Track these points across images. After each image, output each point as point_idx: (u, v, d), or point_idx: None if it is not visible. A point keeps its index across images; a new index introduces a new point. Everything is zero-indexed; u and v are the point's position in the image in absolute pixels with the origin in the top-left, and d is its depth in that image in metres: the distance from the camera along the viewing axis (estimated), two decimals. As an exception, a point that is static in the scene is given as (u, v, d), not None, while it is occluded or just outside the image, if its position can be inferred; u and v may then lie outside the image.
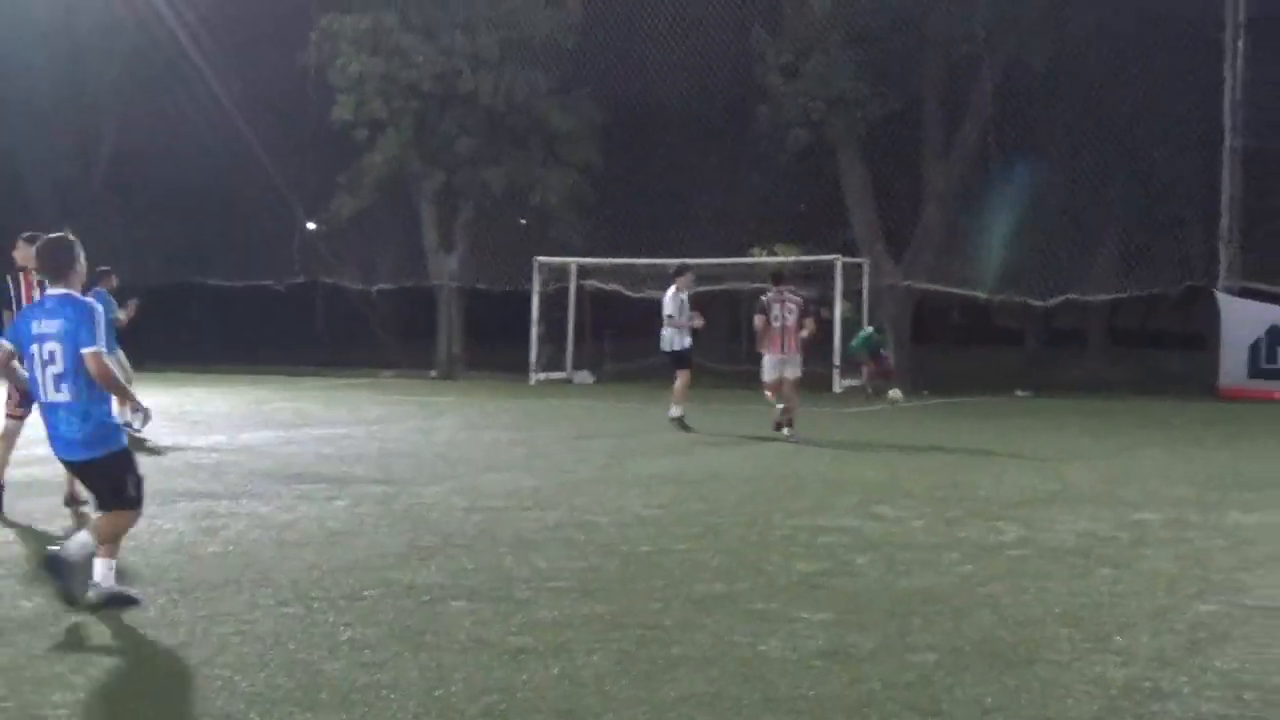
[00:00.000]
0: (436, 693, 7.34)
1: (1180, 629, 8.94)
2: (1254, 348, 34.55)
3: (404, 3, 42.64)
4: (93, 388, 9.29)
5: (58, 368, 9.29)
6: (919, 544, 12.14)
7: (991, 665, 8.00)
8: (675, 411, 24.20)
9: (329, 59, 42.65)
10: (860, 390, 36.10)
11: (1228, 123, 35.79)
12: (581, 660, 8.00)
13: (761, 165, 42.68)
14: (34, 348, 9.39)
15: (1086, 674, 7.82)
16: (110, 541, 9.50)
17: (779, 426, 23.08)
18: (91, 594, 9.26)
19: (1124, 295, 40.64)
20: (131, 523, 9.78)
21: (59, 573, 9.12)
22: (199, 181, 45.64)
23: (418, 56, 41.65)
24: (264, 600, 9.48)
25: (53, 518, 13.32)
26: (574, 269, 41.37)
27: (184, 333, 46.34)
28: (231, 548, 11.51)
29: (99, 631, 8.61)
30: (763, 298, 23.64)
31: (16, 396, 14.09)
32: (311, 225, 47.35)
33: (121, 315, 20.64)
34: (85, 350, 9.21)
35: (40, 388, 9.44)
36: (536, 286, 40.86)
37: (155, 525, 12.19)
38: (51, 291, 9.58)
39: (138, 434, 20.52)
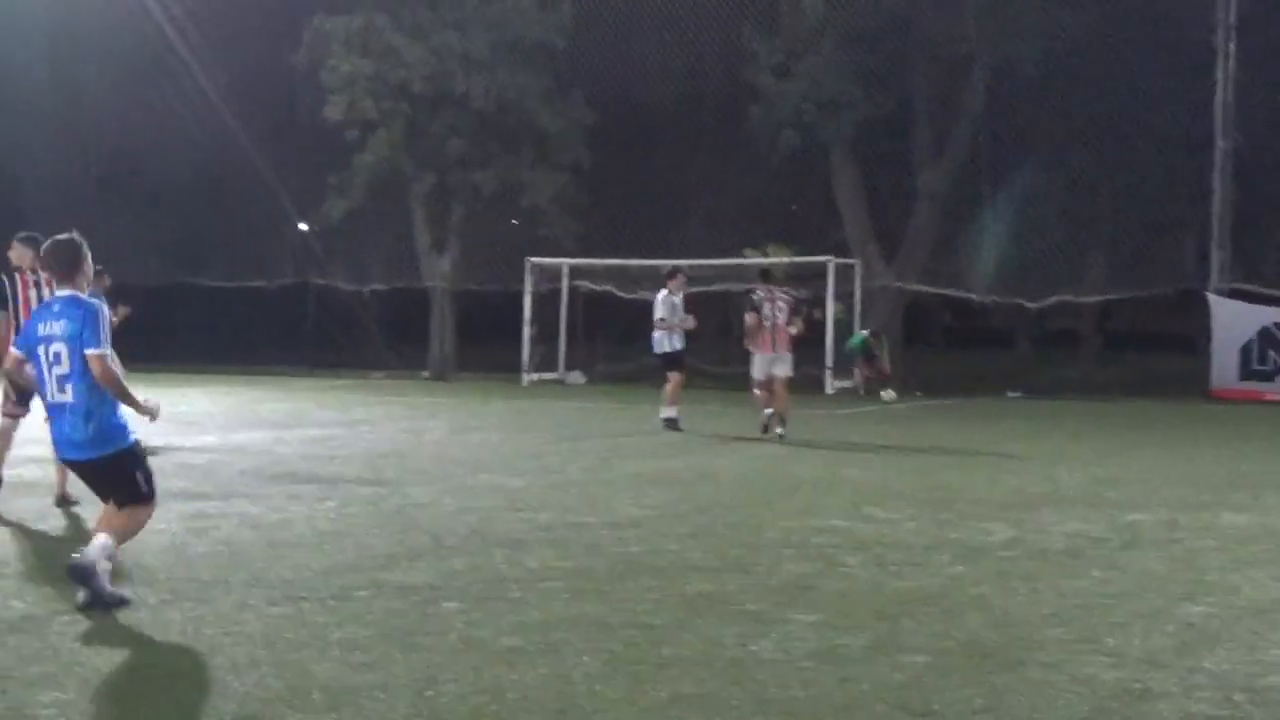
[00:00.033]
0: (427, 693, 7.33)
1: (1171, 630, 8.94)
2: (1245, 349, 34.62)
3: (396, 3, 42.63)
4: (97, 389, 9.29)
5: (63, 369, 9.30)
6: (910, 545, 12.14)
7: (982, 666, 8.00)
8: (667, 413, 24.21)
9: (321, 59, 42.65)
10: (852, 391, 36.17)
11: (1219, 125, 35.84)
12: (572, 661, 7.99)
13: (753, 166, 42.72)
14: (40, 349, 9.40)
15: (1077, 675, 7.81)
16: (124, 529, 9.52)
17: (766, 429, 23.11)
18: (81, 594, 9.24)
19: (1115, 297, 40.76)
20: (147, 517, 9.80)
21: (83, 579, 9.15)
22: (191, 182, 45.69)
23: (409, 57, 41.65)
24: (254, 600, 9.46)
25: (44, 517, 13.31)
26: (566, 270, 41.40)
27: (176, 333, 46.28)
28: (222, 548, 11.49)
29: (90, 632, 8.59)
30: (754, 295, 23.66)
31: (14, 395, 14.10)
32: (303, 226, 47.35)
33: (114, 317, 20.62)
34: (90, 352, 9.21)
35: (47, 389, 9.46)
36: (529, 287, 40.88)
37: (146, 525, 12.18)
38: (59, 293, 9.59)
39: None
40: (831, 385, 36.51)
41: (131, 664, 7.92)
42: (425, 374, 43.74)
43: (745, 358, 24.08)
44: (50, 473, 14.29)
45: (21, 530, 12.66)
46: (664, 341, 24.71)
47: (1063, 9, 37.47)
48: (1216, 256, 36.20)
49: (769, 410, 23.21)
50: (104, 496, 9.72)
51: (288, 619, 8.97)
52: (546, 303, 41.36)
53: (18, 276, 14.32)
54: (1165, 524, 13.47)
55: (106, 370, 9.23)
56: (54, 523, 13.13)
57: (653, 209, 42.57)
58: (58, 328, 9.33)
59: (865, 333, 36.31)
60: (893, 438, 23.77)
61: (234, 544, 11.66)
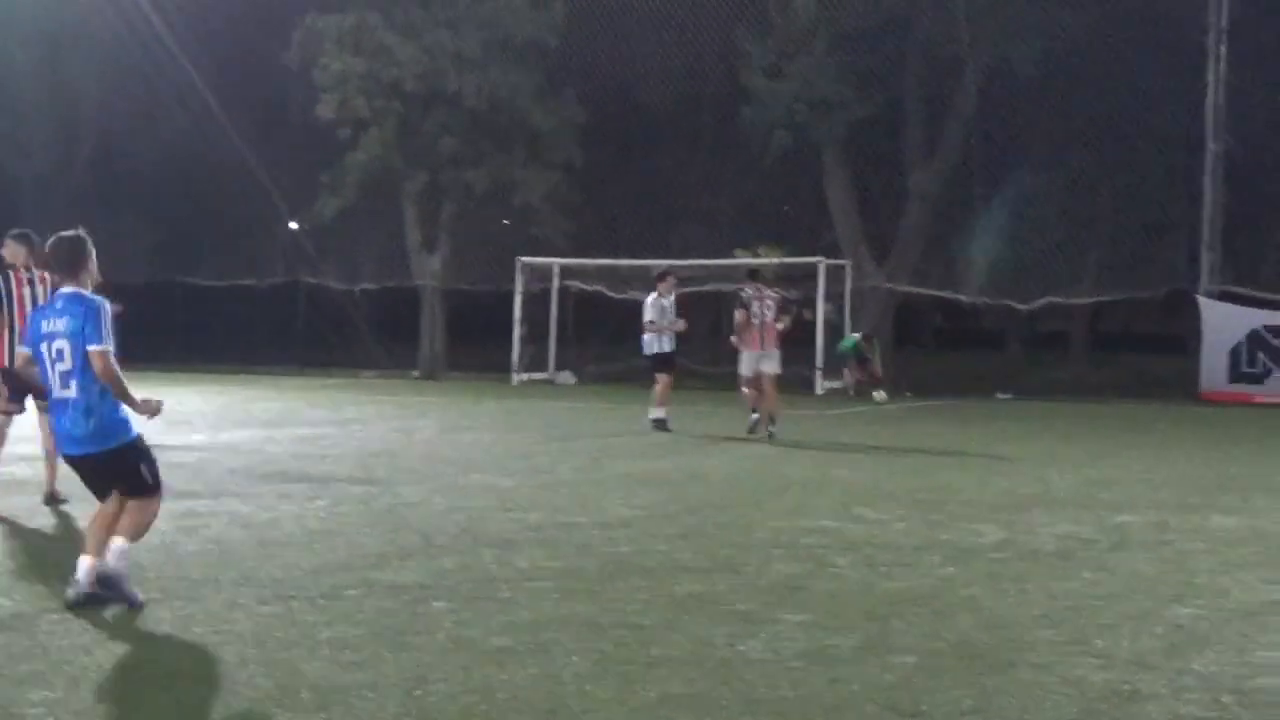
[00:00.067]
0: (416, 692, 7.32)
1: (1160, 632, 8.95)
2: (1235, 352, 34.67)
3: (388, 2, 42.63)
4: (99, 385, 9.30)
5: (66, 365, 9.31)
6: (900, 546, 12.14)
7: (971, 667, 8.00)
8: (656, 414, 24.20)
9: (313, 58, 42.64)
10: (842, 392, 36.19)
11: (1210, 127, 35.88)
12: (562, 660, 7.99)
13: (745, 167, 42.73)
14: (43, 346, 9.42)
15: (1066, 676, 7.82)
16: (138, 527, 9.54)
17: (753, 430, 23.18)
18: (71, 592, 9.25)
19: (1106, 299, 40.79)
20: (155, 512, 9.79)
21: (111, 587, 9.20)
22: (183, 180, 45.65)
23: (401, 56, 41.66)
24: (244, 599, 9.45)
25: (34, 515, 13.30)
26: (557, 270, 41.38)
27: (167, 331, 46.24)
28: (212, 546, 11.48)
29: (78, 630, 8.58)
30: (743, 293, 23.77)
31: (6, 393, 14.09)
32: (294, 225, 47.33)
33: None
34: (92, 348, 9.22)
35: (50, 385, 9.48)
36: (519, 287, 40.86)
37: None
38: (62, 289, 9.59)
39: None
40: (821, 386, 36.53)
41: (121, 662, 7.91)
42: (415, 373, 43.77)
43: (735, 358, 24.13)
44: (40, 470, 14.27)
45: (11, 528, 12.65)
46: (653, 343, 24.73)
47: (1056, 10, 37.48)
48: (1207, 259, 36.25)
49: (755, 415, 23.32)
50: (101, 494, 9.67)
51: (277, 618, 8.96)
52: (537, 302, 41.35)
53: (11, 274, 14.29)
54: (1155, 526, 13.48)
55: (107, 366, 9.22)
56: (43, 521, 13.12)
57: (644, 209, 42.62)
58: (60, 324, 9.34)
59: (857, 335, 36.33)
60: (883, 438, 23.79)
61: (224, 543, 11.65)
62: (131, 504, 9.58)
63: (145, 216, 46.57)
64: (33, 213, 32.73)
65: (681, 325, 25.01)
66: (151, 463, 9.63)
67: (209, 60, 44.73)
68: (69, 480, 14.08)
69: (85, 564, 9.32)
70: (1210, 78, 35.81)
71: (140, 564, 10.45)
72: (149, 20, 44.92)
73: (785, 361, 23.99)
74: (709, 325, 42.05)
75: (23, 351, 9.90)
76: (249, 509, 13.59)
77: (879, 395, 33.97)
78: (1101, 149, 38.33)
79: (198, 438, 21.21)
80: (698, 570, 10.86)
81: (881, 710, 7.17)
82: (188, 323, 48.35)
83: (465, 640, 8.43)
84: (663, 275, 25.29)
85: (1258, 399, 33.45)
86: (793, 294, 38.85)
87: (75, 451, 9.50)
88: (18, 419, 14.62)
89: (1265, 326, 34.43)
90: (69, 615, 8.94)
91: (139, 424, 9.66)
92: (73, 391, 9.32)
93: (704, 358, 36.18)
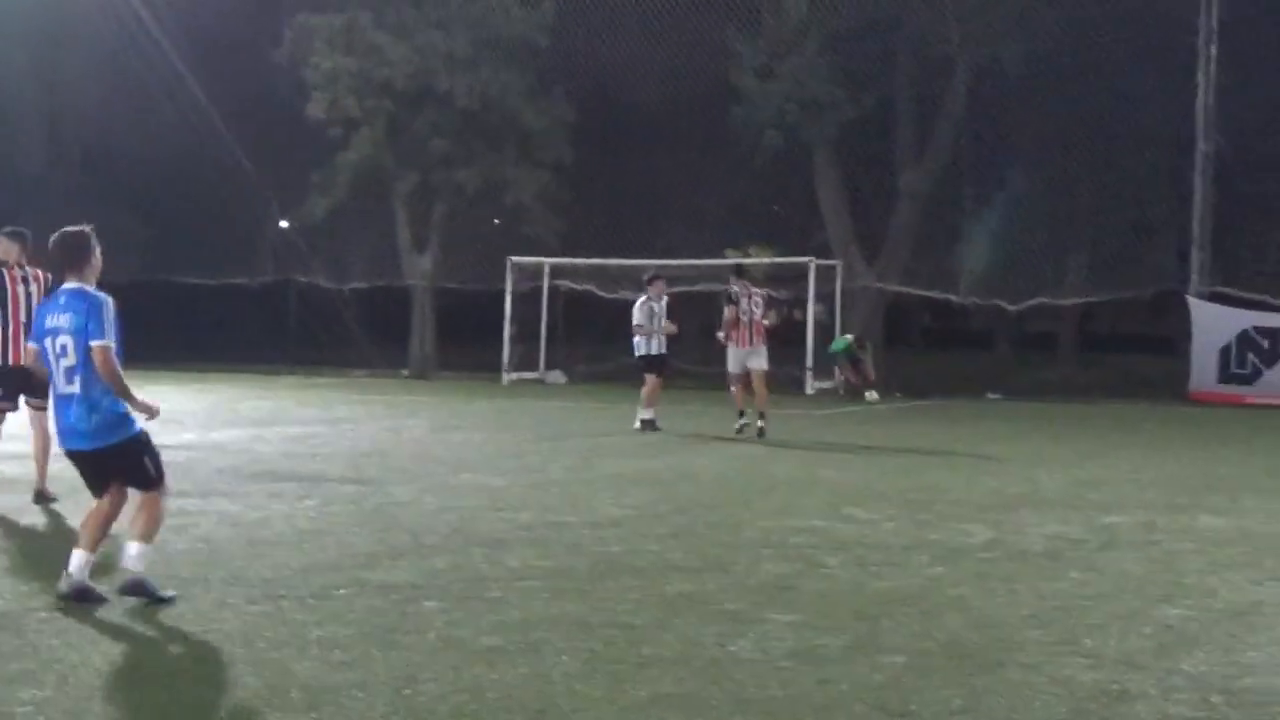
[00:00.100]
0: (406, 692, 7.33)
1: (1148, 632, 8.97)
2: (1224, 352, 34.70)
3: (379, 2, 42.62)
4: (102, 380, 9.35)
5: (69, 360, 9.38)
6: (889, 546, 12.16)
7: (960, 667, 8.02)
8: (644, 415, 24.17)
9: (303, 57, 42.63)
10: (832, 392, 36.22)
11: (1200, 127, 35.91)
12: (552, 660, 8.00)
13: (736, 167, 42.72)
14: (47, 341, 9.49)
15: (1055, 676, 7.83)
16: (149, 526, 9.61)
17: (741, 430, 23.24)
18: (63, 584, 9.32)
19: (1095, 299, 40.82)
20: (164, 508, 9.84)
21: (138, 592, 9.32)
22: (173, 178, 45.50)
23: (392, 55, 41.64)
24: (233, 599, 9.46)
25: (24, 513, 13.31)
26: (547, 269, 41.36)
27: (156, 330, 46.14)
28: (201, 546, 11.48)
29: (68, 629, 8.58)
30: (731, 290, 23.89)
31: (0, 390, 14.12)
32: (285, 223, 47.29)
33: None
34: (93, 343, 9.28)
35: (53, 380, 9.56)
36: (510, 286, 40.84)
37: (124, 523, 12.16)
38: (66, 285, 9.64)
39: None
40: (811, 386, 36.54)
41: (110, 661, 7.91)
42: (406, 372, 43.73)
43: (725, 356, 24.17)
44: (30, 469, 14.27)
45: (0, 526, 12.65)
46: (643, 345, 24.73)
47: (1046, 10, 37.51)
48: (1196, 259, 36.28)
49: (744, 419, 23.38)
50: (98, 490, 9.70)
51: (267, 617, 8.97)
52: (527, 302, 41.32)
53: (4, 272, 14.28)
54: (1144, 526, 13.50)
55: (108, 362, 9.28)
56: (33, 519, 13.12)
57: (635, 208, 42.58)
58: (64, 320, 9.41)
59: (850, 337, 36.31)
60: (872, 438, 23.81)
61: (213, 542, 11.65)
62: (140, 502, 9.66)
63: (136, 214, 46.41)
64: (23, 210, 32.58)
65: (672, 329, 25.02)
66: (155, 456, 9.68)
67: (200, 58, 44.63)
68: (58, 479, 14.12)
69: (78, 557, 9.38)
70: (1200, 78, 35.84)
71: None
72: (140, 18, 44.87)
73: (776, 362, 24.05)
74: (699, 325, 42.07)
75: (31, 346, 9.91)
76: (238, 508, 13.59)
77: (871, 395, 33.99)
78: (1091, 149, 38.33)
79: (187, 436, 21.18)
80: (688, 570, 10.87)
81: (870, 710, 7.18)
82: (178, 321, 48.23)
83: (455, 640, 8.44)
84: (652, 279, 25.30)
85: (1247, 399, 33.48)
86: (783, 294, 38.94)
87: (79, 446, 9.54)
88: (10, 416, 14.63)
89: (1255, 327, 34.44)
90: (58, 614, 8.95)
91: (140, 419, 9.69)
92: (76, 387, 9.39)
93: (694, 357, 36.17)
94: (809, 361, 36.84)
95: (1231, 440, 24.74)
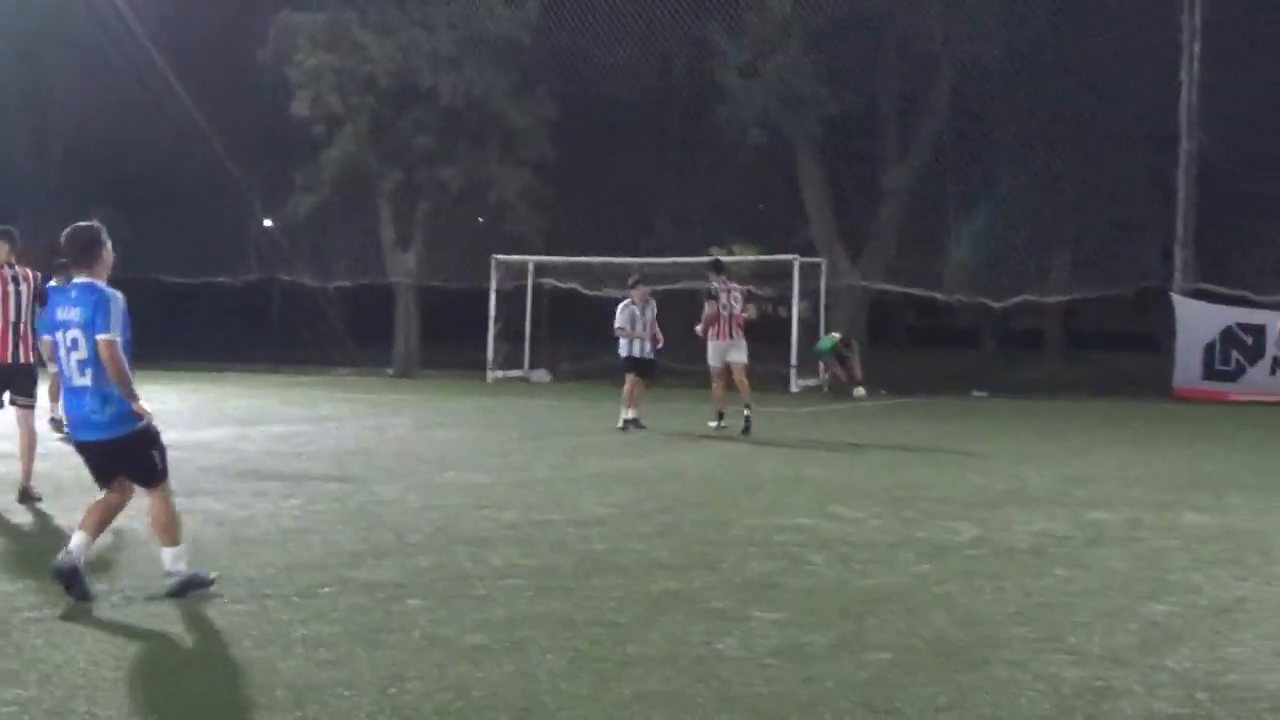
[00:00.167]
0: (391, 690, 7.32)
1: (1133, 629, 8.97)
2: (1208, 349, 34.76)
3: (363, 0, 42.63)
4: None
5: (80, 354, 9.49)
6: (875, 543, 12.16)
7: (945, 664, 8.02)
8: (627, 414, 24.15)
9: (287, 55, 42.59)
10: (816, 390, 36.24)
11: (1183, 125, 35.96)
12: (537, 658, 7.99)
13: (720, 165, 42.75)
14: (58, 334, 9.60)
15: (1040, 673, 7.84)
16: (171, 528, 9.74)
17: (720, 427, 23.36)
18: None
19: (1080, 296, 40.85)
20: (173, 504, 9.92)
21: (186, 588, 9.53)
22: (155, 176, 45.44)
23: (375, 53, 41.61)
24: (218, 598, 9.45)
25: (8, 513, 13.29)
26: (531, 267, 41.35)
27: (140, 328, 46.02)
28: (186, 545, 11.46)
29: (52, 629, 8.56)
30: (712, 285, 23.98)
31: None
32: (268, 222, 47.24)
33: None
34: (100, 337, 9.39)
35: (65, 373, 9.62)
36: (494, 284, 40.83)
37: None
38: (77, 279, 9.73)
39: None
40: (796, 384, 36.55)
41: (94, 661, 7.88)
42: (390, 371, 43.72)
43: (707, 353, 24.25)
44: (15, 469, 14.24)
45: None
46: (626, 346, 24.73)
47: (1029, 8, 37.52)
48: (1180, 256, 36.34)
49: (722, 423, 23.45)
50: (105, 482, 9.78)
51: (252, 616, 8.96)
52: (511, 300, 41.31)
53: (-3, 269, 14.27)
54: (1129, 523, 13.51)
55: (114, 356, 9.38)
56: (18, 518, 13.10)
57: (619, 207, 42.59)
58: (74, 314, 9.52)
59: (836, 336, 36.31)
60: (858, 436, 23.81)
61: (198, 541, 11.60)
62: (151, 511, 9.84)
63: (119, 213, 46.25)
64: (6, 209, 32.56)
65: (658, 339, 25.02)
66: (162, 450, 9.82)
67: (183, 56, 44.56)
68: (44, 478, 14.10)
69: (79, 538, 9.49)
70: (1184, 76, 35.89)
71: (113, 561, 10.45)
72: (123, 16, 44.80)
73: (762, 360, 24.09)
74: (685, 323, 42.11)
75: (45, 339, 9.98)
76: (223, 507, 13.57)
77: (859, 392, 34.05)
78: (1075, 147, 38.36)
79: (172, 435, 21.00)
80: (673, 568, 10.86)
81: (856, 707, 7.18)
82: (162, 320, 48.19)
83: (440, 638, 8.43)
84: (636, 283, 25.33)
85: (1231, 396, 33.54)
86: (767, 292, 39.02)
87: (90, 437, 9.65)
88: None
89: (1238, 324, 34.50)
90: (43, 614, 8.92)
91: (168, 414, 9.75)
92: (88, 379, 9.50)
93: (679, 355, 36.20)
94: (794, 359, 36.85)
95: (1216, 437, 24.78)
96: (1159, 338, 42.18)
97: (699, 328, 24.19)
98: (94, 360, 9.42)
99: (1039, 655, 8.23)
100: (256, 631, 8.55)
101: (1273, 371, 33.89)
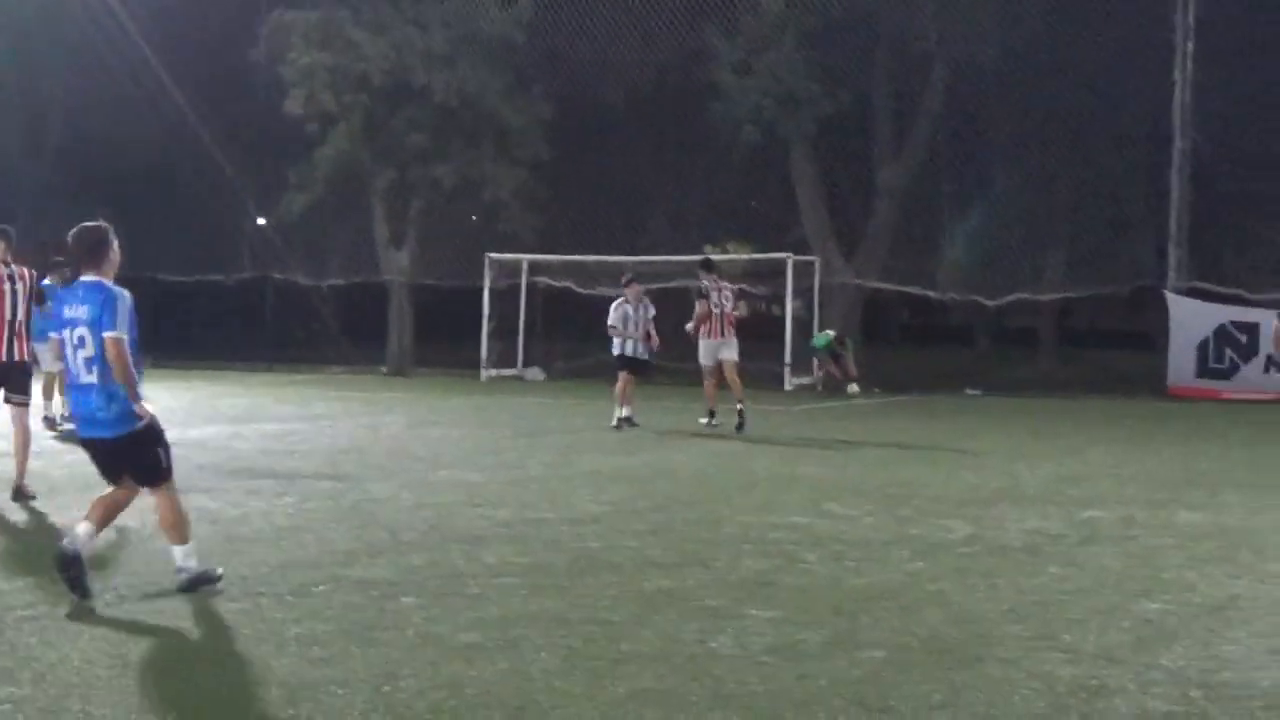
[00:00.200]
0: (385, 689, 7.32)
1: (1127, 627, 8.97)
2: (1202, 347, 34.76)
3: (356, -1, 42.69)
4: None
5: (88, 351, 9.56)
6: (868, 541, 12.16)
7: (939, 662, 8.02)
8: (621, 412, 24.14)
9: (280, 53, 42.57)
10: (810, 388, 36.24)
11: (1177, 124, 35.98)
12: (530, 656, 7.99)
13: (713, 163, 42.77)
14: (65, 332, 9.66)
15: (1034, 671, 7.84)
16: (179, 527, 9.78)
17: (711, 425, 23.37)
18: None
19: (1074, 295, 40.88)
20: (179, 502, 9.96)
21: (195, 585, 9.58)
22: (149, 176, 45.42)
23: (369, 51, 41.59)
24: (212, 596, 9.44)
25: (5, 511, 13.28)
26: (525, 265, 41.34)
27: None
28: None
29: (46, 627, 8.56)
30: (702, 284, 24.01)
31: None
32: (262, 220, 47.21)
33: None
34: (106, 334, 9.45)
35: (72, 371, 9.69)
36: (487, 283, 40.81)
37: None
38: (84, 278, 9.81)
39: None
40: (790, 382, 36.55)
41: (88, 658, 7.88)
42: (384, 369, 43.71)
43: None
44: (9, 467, 14.23)
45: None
46: (619, 345, 24.72)
47: (1023, 7, 37.53)
48: (1174, 255, 36.34)
49: (714, 421, 23.51)
50: (114, 478, 9.83)
51: (245, 614, 8.95)
52: (505, 298, 41.29)
53: (-8, 268, 14.25)
54: (1122, 521, 13.51)
55: (120, 354, 9.43)
56: (11, 516, 13.09)
57: (613, 205, 42.59)
58: (82, 311, 9.60)
59: (831, 333, 36.30)
60: (851, 434, 23.81)
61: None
62: (158, 509, 9.88)
63: (112, 212, 46.03)
64: (2, 208, 32.54)
65: (654, 341, 25.02)
66: (167, 448, 9.89)
67: (177, 54, 44.47)
68: (38, 476, 14.09)
69: (84, 527, 9.53)
70: (1177, 75, 35.90)
71: (106, 560, 10.44)
72: (116, 14, 44.75)
73: (755, 358, 24.11)
74: (678, 321, 42.08)
75: (53, 337, 9.95)
76: (217, 505, 13.56)
77: (853, 388, 34.08)
78: (1068, 146, 38.39)
79: (166, 433, 21.10)
80: (667, 566, 10.86)
81: (850, 705, 7.18)
82: (155, 318, 48.16)
83: (434, 636, 8.43)
84: (629, 282, 25.32)
85: (1225, 394, 33.54)
86: (761, 290, 38.99)
87: (96, 435, 9.71)
88: None
89: (1232, 322, 34.50)
90: (36, 612, 8.92)
91: (166, 412, 9.76)
92: (95, 377, 9.56)
93: (672, 354, 36.21)
94: (787, 357, 36.86)
95: (1209, 435, 24.78)
96: (1153, 336, 42.15)
97: (689, 326, 24.23)
98: (100, 358, 9.47)
99: (1033, 653, 8.23)
100: (250, 629, 8.55)
101: (1266, 370, 33.89)
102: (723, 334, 23.71)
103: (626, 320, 24.59)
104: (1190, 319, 35.17)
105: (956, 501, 14.78)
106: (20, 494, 13.71)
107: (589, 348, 37.38)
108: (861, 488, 15.94)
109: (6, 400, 14.33)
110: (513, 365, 40.80)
